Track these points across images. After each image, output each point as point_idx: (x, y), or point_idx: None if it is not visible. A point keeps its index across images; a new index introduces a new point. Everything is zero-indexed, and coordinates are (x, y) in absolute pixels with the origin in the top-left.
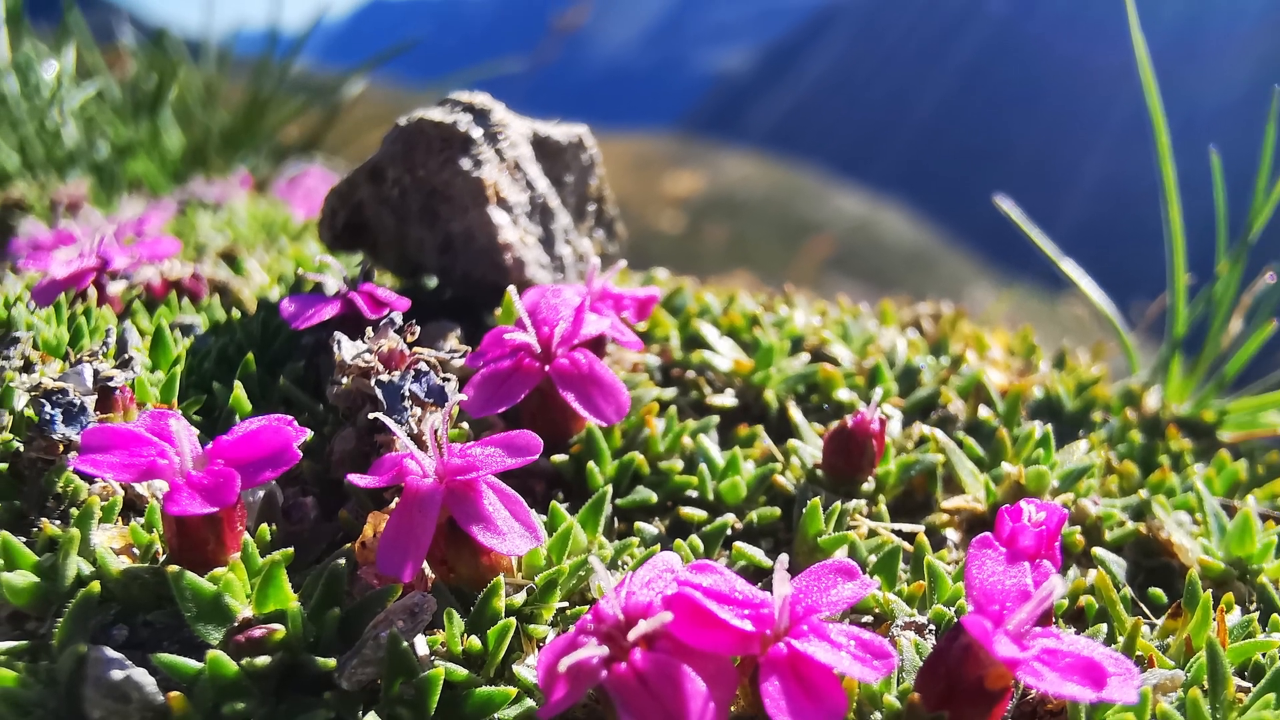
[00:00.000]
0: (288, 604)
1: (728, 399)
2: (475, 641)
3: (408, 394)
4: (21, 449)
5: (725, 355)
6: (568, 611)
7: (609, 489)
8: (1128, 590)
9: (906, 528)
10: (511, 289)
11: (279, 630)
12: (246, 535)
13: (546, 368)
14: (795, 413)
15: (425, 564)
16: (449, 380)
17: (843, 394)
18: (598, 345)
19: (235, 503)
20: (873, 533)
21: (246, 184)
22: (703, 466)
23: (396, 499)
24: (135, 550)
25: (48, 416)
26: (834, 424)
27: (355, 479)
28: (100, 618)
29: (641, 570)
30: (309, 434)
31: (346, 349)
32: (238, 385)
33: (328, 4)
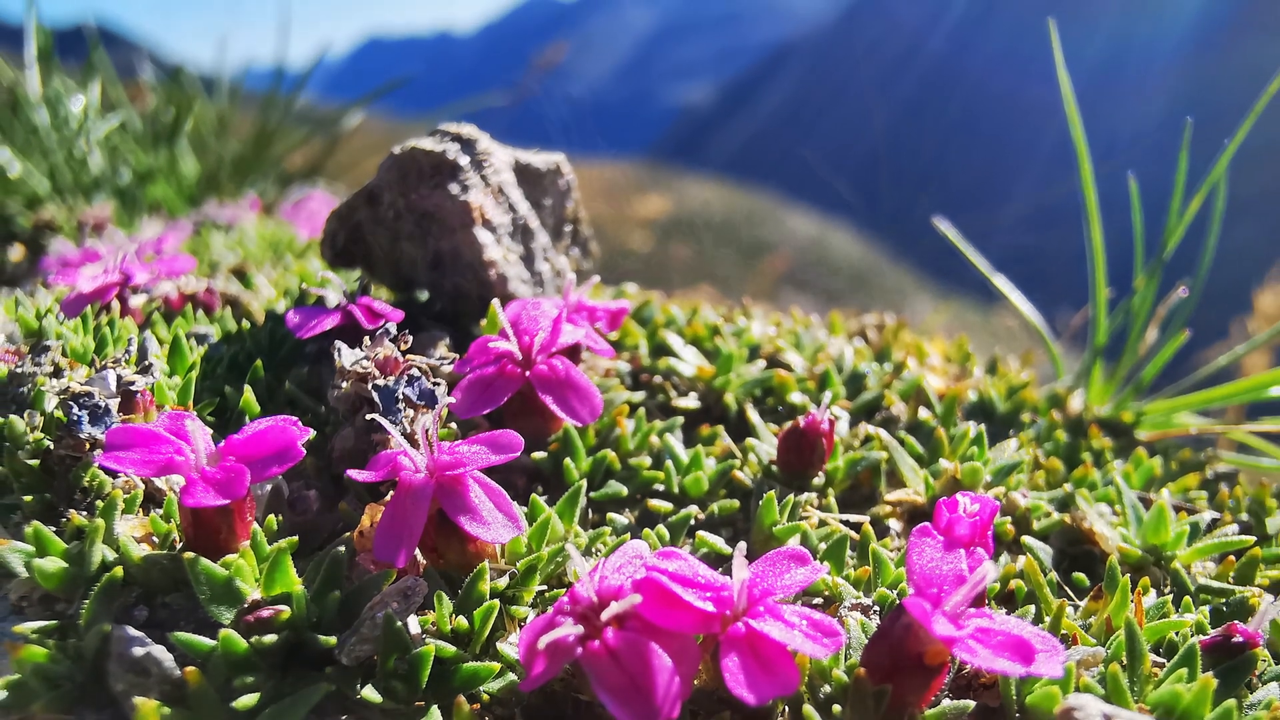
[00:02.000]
0: (293, 587)
1: (691, 401)
2: (463, 621)
3: (401, 397)
4: (52, 446)
5: (689, 362)
6: (546, 594)
7: (584, 483)
8: (1054, 575)
9: (853, 518)
10: (495, 302)
11: (285, 611)
12: (255, 525)
13: (527, 373)
14: (752, 414)
15: (417, 551)
16: (439, 384)
17: (795, 397)
18: (573, 353)
19: (245, 495)
20: (823, 523)
21: (255, 207)
22: (669, 463)
23: (391, 492)
24: (155, 538)
25: (75, 417)
26: (788, 424)
27: (354, 474)
28: (123, 600)
29: (613, 557)
30: (312, 433)
31: (346, 356)
32: (247, 389)
33: (329, 43)
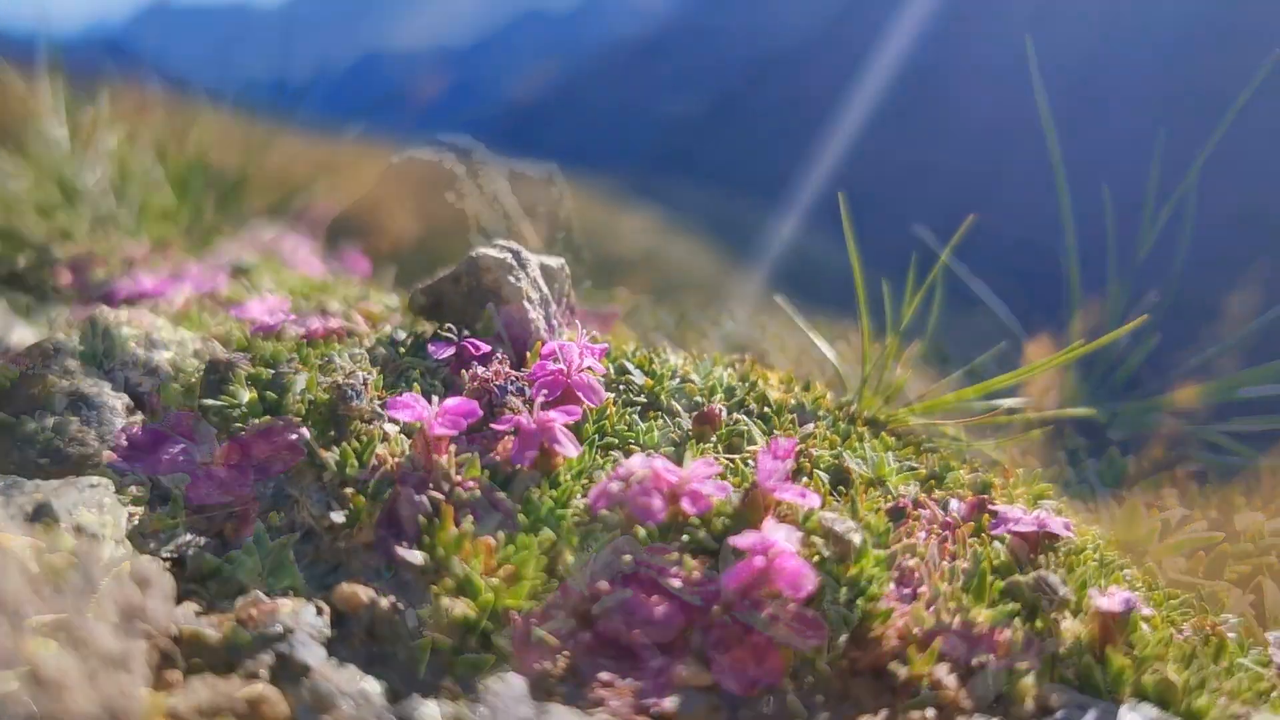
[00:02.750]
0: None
1: (642, 399)
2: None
3: (510, 389)
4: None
5: (637, 379)
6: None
7: (595, 436)
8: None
9: (728, 456)
10: (538, 343)
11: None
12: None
13: (569, 380)
14: (676, 405)
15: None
16: (523, 384)
17: (699, 399)
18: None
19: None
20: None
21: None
22: (636, 428)
23: (512, 436)
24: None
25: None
26: (696, 411)
27: (497, 425)
28: None
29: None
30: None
31: (478, 369)
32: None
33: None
